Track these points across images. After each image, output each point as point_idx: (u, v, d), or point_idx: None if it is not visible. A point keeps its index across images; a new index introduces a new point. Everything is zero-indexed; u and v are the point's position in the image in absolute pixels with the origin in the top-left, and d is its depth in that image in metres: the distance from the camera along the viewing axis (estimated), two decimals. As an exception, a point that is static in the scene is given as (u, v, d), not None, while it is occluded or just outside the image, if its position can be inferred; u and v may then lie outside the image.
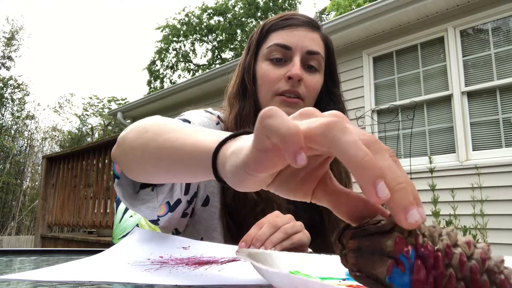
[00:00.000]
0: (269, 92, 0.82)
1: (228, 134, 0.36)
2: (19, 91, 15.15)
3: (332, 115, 0.27)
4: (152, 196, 0.62)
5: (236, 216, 0.78)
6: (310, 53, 0.82)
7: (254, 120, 0.82)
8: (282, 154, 0.26)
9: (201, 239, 0.79)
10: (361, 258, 0.23)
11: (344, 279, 0.39)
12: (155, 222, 0.70)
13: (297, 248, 0.61)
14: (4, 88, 14.61)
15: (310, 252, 0.64)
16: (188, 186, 0.72)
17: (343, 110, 0.90)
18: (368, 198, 0.23)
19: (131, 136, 0.53)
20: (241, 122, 0.82)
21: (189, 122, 0.76)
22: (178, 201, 0.69)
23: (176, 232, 0.80)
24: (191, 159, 0.40)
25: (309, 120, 0.26)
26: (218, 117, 0.86)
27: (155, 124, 0.52)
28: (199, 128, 0.45)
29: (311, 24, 0.84)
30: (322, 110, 0.29)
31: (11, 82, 14.92)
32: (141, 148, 0.50)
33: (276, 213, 0.64)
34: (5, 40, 15.28)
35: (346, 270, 0.26)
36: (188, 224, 0.80)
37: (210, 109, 0.88)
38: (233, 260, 0.51)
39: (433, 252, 0.22)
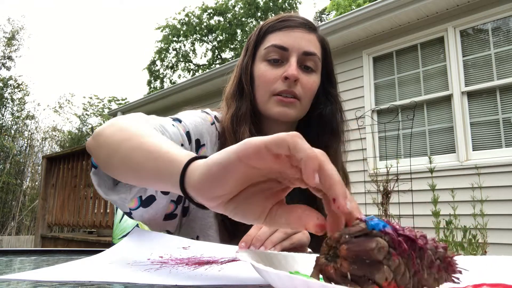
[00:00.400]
0: (267, 92, 0.83)
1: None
2: (19, 91, 15.14)
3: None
4: (126, 189, 0.64)
5: None
6: (307, 54, 0.83)
7: (250, 120, 0.83)
8: (275, 164, 0.33)
9: (197, 237, 0.79)
10: (346, 235, 0.30)
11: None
12: (128, 214, 0.70)
13: (297, 248, 0.61)
14: (4, 88, 14.60)
15: (310, 252, 0.64)
16: None
17: (340, 110, 0.91)
18: (337, 207, 0.31)
19: (108, 132, 0.55)
20: (237, 121, 0.83)
21: (180, 121, 0.77)
22: (151, 198, 0.68)
23: (168, 233, 0.80)
24: (162, 164, 0.42)
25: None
26: (215, 117, 0.87)
27: (133, 125, 0.54)
28: (174, 143, 0.48)
29: (308, 26, 0.86)
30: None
31: (11, 82, 14.92)
32: (115, 145, 0.51)
33: None
34: (6, 40, 15.28)
35: None
36: (183, 223, 0.80)
37: (207, 110, 0.89)
38: (233, 260, 0.51)
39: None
